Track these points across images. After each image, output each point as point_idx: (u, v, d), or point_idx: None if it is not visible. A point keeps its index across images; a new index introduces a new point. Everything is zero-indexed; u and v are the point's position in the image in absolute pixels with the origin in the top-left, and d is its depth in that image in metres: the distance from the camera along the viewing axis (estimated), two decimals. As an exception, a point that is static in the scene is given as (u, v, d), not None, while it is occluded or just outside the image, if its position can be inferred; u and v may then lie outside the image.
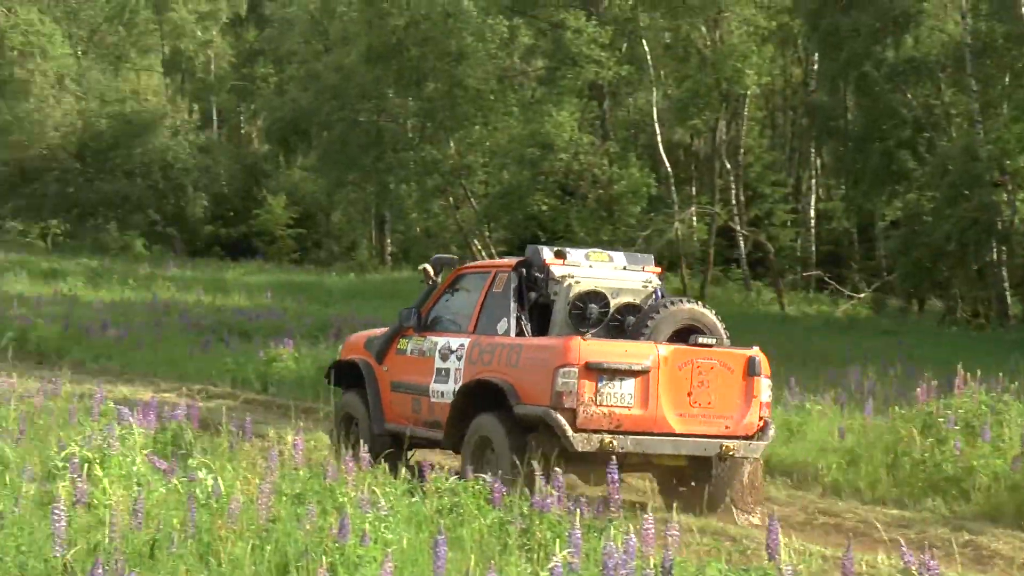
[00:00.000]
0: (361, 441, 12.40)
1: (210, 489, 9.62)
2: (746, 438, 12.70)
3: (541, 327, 13.27)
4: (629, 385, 12.27)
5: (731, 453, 12.55)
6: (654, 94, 45.04)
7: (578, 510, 9.44)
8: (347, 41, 49.58)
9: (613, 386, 12.23)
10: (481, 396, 12.83)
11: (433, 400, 13.56)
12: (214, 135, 66.70)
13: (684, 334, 12.76)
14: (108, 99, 61.51)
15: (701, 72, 43.92)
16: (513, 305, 13.22)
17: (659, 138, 44.96)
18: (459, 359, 13.29)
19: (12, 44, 61.27)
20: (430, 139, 47.39)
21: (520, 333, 13.12)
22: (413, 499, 10.31)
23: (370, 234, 57.78)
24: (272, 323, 30.46)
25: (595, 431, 12.15)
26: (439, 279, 14.49)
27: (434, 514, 10.02)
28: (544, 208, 45.10)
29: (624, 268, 13.71)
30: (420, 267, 14.83)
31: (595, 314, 13.16)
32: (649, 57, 44.33)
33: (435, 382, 13.58)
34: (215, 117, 68.73)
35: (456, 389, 13.21)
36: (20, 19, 62.28)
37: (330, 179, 50.72)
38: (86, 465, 10.06)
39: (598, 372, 12.17)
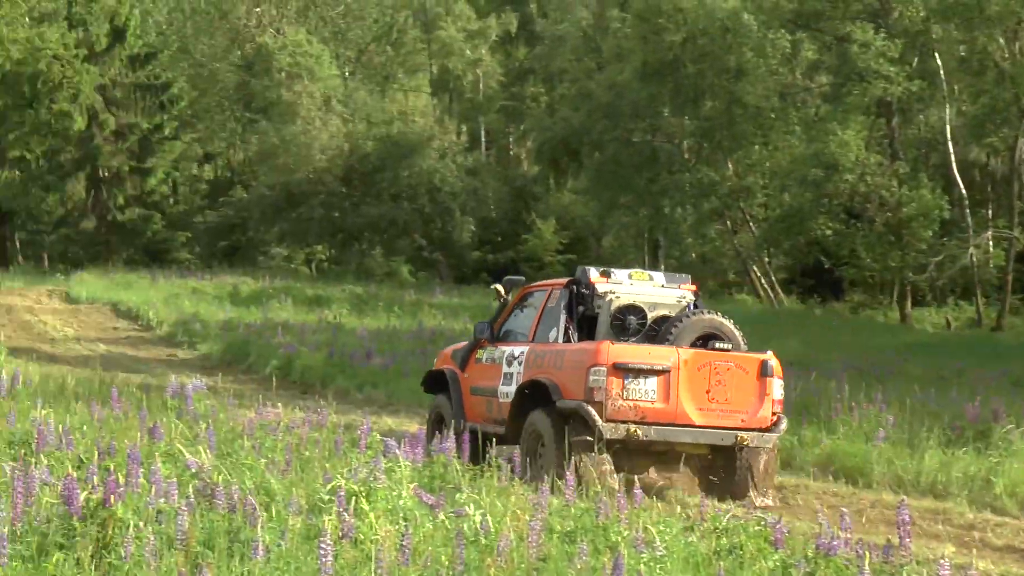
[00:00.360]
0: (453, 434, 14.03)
1: (479, 525, 9.86)
2: (760, 430, 14.72)
3: (589, 336, 15.41)
4: (652, 383, 14.39)
5: (745, 443, 14.54)
6: (947, 110, 44.00)
7: (866, 553, 9.34)
8: (621, 58, 49.96)
9: (638, 383, 14.33)
10: (532, 394, 15.00)
11: (500, 400, 15.75)
12: (482, 157, 65.92)
13: (708, 340, 14.92)
14: (375, 120, 60.87)
15: (999, 87, 42.62)
16: (563, 317, 15.49)
17: (952, 157, 43.91)
18: (520, 364, 15.56)
19: (280, 65, 61.66)
20: (707, 160, 47.94)
21: (567, 340, 15.33)
22: (689, 539, 10.35)
23: (643, 259, 56.49)
24: (541, 352, 29.31)
25: (622, 421, 14.25)
26: (509, 297, 16.77)
27: (712, 555, 9.99)
28: (828, 232, 44.26)
29: (662, 286, 16.00)
30: (492, 286, 17.44)
31: (633, 325, 15.48)
32: (942, 71, 43.51)
33: (502, 385, 15.80)
34: (483, 138, 68.37)
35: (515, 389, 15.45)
36: (288, 40, 63.18)
37: (602, 202, 50.57)
38: (352, 498, 10.12)
39: (624, 371, 14.29)
